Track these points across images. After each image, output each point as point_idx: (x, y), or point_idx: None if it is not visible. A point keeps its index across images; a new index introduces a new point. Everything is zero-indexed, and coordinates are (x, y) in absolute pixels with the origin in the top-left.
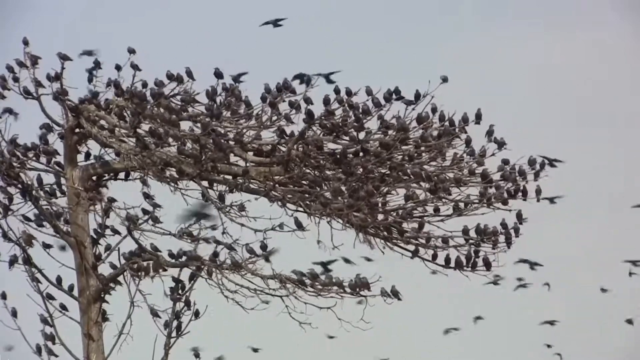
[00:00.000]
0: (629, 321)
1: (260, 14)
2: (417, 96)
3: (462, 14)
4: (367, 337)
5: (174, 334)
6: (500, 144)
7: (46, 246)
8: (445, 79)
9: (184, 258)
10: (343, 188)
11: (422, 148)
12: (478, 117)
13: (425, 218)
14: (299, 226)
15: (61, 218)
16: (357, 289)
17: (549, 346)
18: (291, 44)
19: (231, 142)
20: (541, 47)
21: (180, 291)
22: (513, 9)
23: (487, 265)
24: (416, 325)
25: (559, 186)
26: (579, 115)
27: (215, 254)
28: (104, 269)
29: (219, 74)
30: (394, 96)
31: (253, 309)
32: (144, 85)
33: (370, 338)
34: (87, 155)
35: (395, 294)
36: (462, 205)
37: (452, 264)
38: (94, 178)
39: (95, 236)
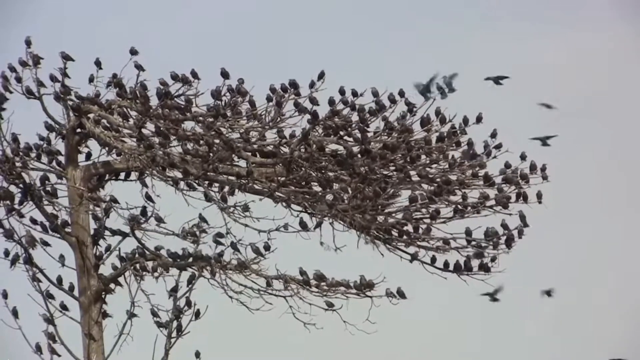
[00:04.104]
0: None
1: (260, 14)
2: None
3: (461, 14)
4: (372, 338)
5: (174, 334)
6: (497, 147)
7: (44, 243)
8: (449, 84)
9: (187, 259)
10: (349, 189)
11: (424, 150)
12: (479, 120)
13: (426, 220)
14: (303, 227)
15: (58, 219)
16: (363, 290)
17: None
18: (292, 44)
19: (238, 143)
20: (540, 47)
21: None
22: (513, 9)
23: (485, 269)
24: (418, 326)
25: (558, 187)
26: (578, 116)
27: (220, 254)
28: (105, 269)
29: (225, 74)
30: (398, 98)
31: (258, 310)
32: (144, 87)
33: (374, 339)
34: (88, 156)
35: (401, 294)
36: (463, 207)
37: (451, 268)
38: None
39: (95, 236)
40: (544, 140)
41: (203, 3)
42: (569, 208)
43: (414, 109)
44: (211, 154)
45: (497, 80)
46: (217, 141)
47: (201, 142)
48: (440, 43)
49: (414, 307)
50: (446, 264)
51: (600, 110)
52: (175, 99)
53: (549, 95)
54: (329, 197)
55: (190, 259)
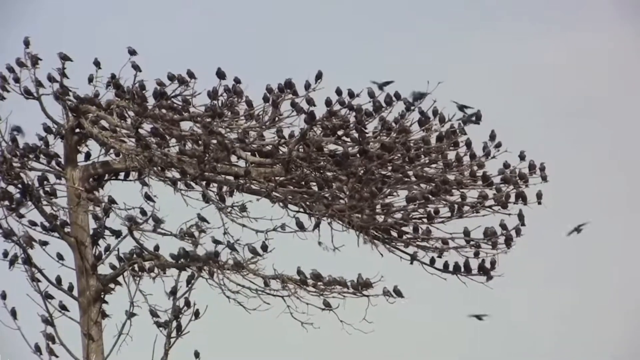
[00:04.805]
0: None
1: (260, 14)
2: (419, 96)
3: (461, 14)
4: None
5: (173, 334)
6: (496, 146)
7: (43, 243)
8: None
9: (186, 259)
10: (345, 189)
11: (423, 150)
12: (478, 118)
13: (425, 219)
14: (301, 227)
15: (57, 220)
16: (360, 289)
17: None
18: (292, 44)
19: (235, 143)
20: (540, 47)
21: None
22: (513, 9)
23: (485, 272)
24: (415, 326)
25: (557, 187)
26: (578, 116)
27: (217, 254)
28: (104, 269)
29: (221, 74)
30: (394, 100)
31: (255, 310)
32: (142, 87)
33: (371, 338)
34: (87, 156)
35: (398, 293)
36: (461, 207)
37: (450, 269)
38: (94, 178)
39: (95, 237)
40: (380, 86)
41: (203, 3)
42: (569, 208)
43: (412, 108)
44: (207, 155)
45: (382, 86)
46: (213, 141)
47: (199, 142)
48: (440, 43)
49: (411, 307)
50: (446, 265)
51: (600, 110)
52: (173, 99)
53: (549, 95)
54: (327, 196)
55: (188, 259)
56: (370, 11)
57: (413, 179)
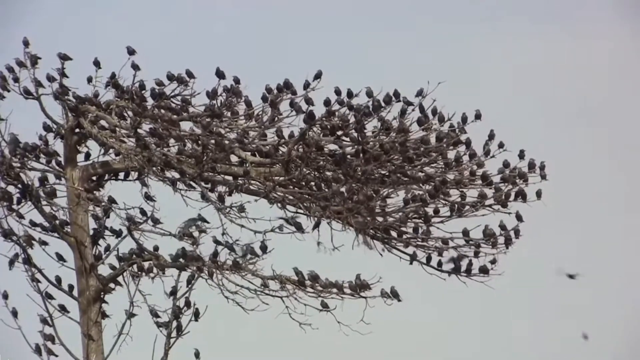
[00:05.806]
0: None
1: (260, 14)
2: (420, 93)
3: (461, 14)
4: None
5: (173, 334)
6: (500, 146)
7: (42, 243)
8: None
9: (183, 260)
10: (343, 189)
11: (422, 150)
12: (477, 118)
13: (424, 220)
14: (298, 228)
15: (57, 220)
16: (358, 290)
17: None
18: (292, 44)
19: (233, 143)
20: (540, 47)
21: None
22: (513, 9)
23: (484, 271)
24: (413, 327)
25: (557, 187)
26: (579, 116)
27: (215, 254)
28: (104, 269)
29: (220, 74)
30: (393, 99)
31: (254, 310)
32: (142, 86)
33: (370, 339)
34: (87, 156)
35: (395, 294)
36: (460, 206)
37: (449, 269)
38: (94, 178)
39: (95, 237)
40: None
41: (203, 3)
42: (569, 208)
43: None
44: (205, 155)
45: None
46: (212, 141)
47: (199, 142)
48: (440, 43)
49: (410, 308)
50: (442, 265)
51: (600, 110)
52: (172, 99)
53: (549, 95)
54: (326, 196)
55: (185, 259)
56: (370, 11)
57: (412, 179)
